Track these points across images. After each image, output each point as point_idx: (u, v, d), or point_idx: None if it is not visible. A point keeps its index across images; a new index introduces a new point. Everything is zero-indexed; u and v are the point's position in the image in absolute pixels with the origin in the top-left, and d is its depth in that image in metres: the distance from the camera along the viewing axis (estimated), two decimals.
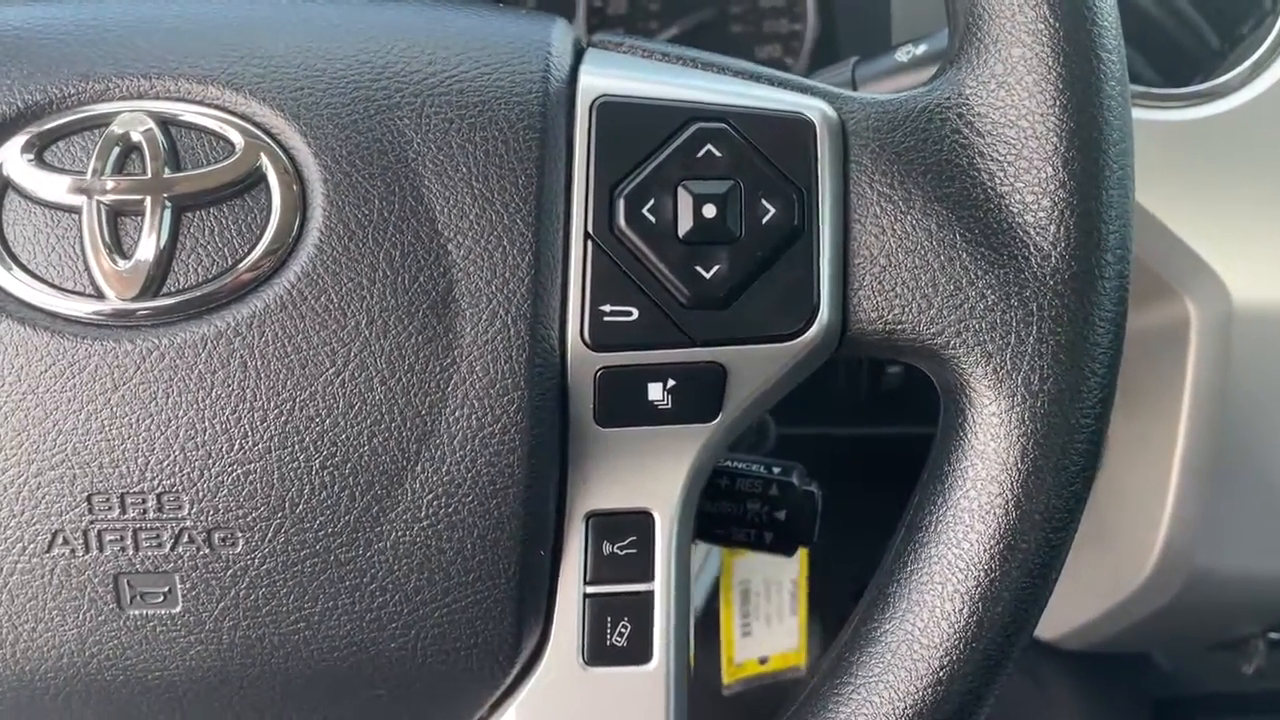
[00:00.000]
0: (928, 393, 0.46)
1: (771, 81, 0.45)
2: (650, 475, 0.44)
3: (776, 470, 0.53)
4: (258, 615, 0.42)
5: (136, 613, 0.42)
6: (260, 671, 0.43)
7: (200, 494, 0.41)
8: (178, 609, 0.42)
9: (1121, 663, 1.09)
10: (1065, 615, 0.95)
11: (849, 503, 0.77)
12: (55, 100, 0.42)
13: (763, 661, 0.92)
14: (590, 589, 0.44)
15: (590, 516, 0.44)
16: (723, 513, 0.53)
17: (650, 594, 0.44)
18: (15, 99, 0.42)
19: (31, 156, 0.41)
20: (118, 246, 0.41)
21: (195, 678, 0.43)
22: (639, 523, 0.44)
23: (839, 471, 0.86)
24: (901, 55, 0.57)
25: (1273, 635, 0.96)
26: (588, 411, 0.43)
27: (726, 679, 0.93)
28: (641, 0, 0.97)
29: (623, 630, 0.44)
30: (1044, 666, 1.08)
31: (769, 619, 0.89)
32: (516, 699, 0.45)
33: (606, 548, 0.44)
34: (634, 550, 0.44)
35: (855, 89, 0.60)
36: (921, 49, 0.57)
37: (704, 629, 0.91)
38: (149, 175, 0.41)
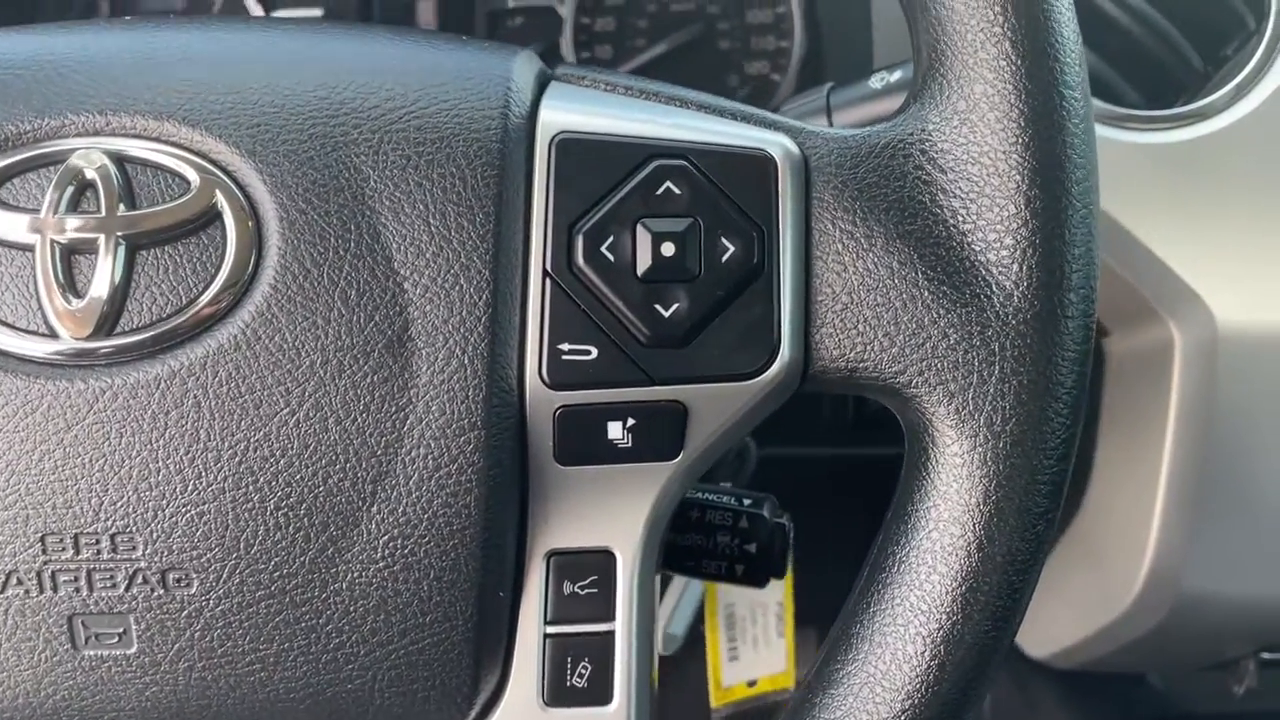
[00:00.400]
0: None
1: (735, 116, 0.44)
2: (611, 514, 0.44)
3: (747, 502, 0.53)
4: (213, 656, 0.42)
5: (91, 653, 0.42)
6: (216, 713, 0.43)
7: (154, 535, 0.41)
8: (133, 650, 0.42)
9: (1113, 682, 1.08)
10: (1055, 635, 0.94)
11: (836, 522, 0.76)
12: (10, 137, 0.42)
13: (751, 684, 0.91)
14: (550, 629, 0.44)
15: (551, 555, 0.44)
16: (693, 545, 0.52)
17: (611, 634, 0.44)
18: None
19: None
20: (71, 285, 0.41)
21: (151, 719, 0.43)
22: (600, 562, 0.44)
23: (825, 492, 0.85)
24: (876, 82, 0.57)
25: (1264, 655, 0.95)
26: (547, 450, 0.43)
27: (714, 703, 0.92)
28: (629, 18, 0.97)
29: (583, 671, 0.44)
30: (1035, 685, 1.07)
31: (756, 642, 0.88)
32: None
33: (567, 587, 0.44)
34: (595, 590, 0.44)
35: (830, 115, 0.60)
36: (896, 75, 0.57)
37: (692, 653, 0.90)
38: (103, 213, 0.41)
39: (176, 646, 0.42)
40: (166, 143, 0.42)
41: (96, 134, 0.42)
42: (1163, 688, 1.10)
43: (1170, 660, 0.98)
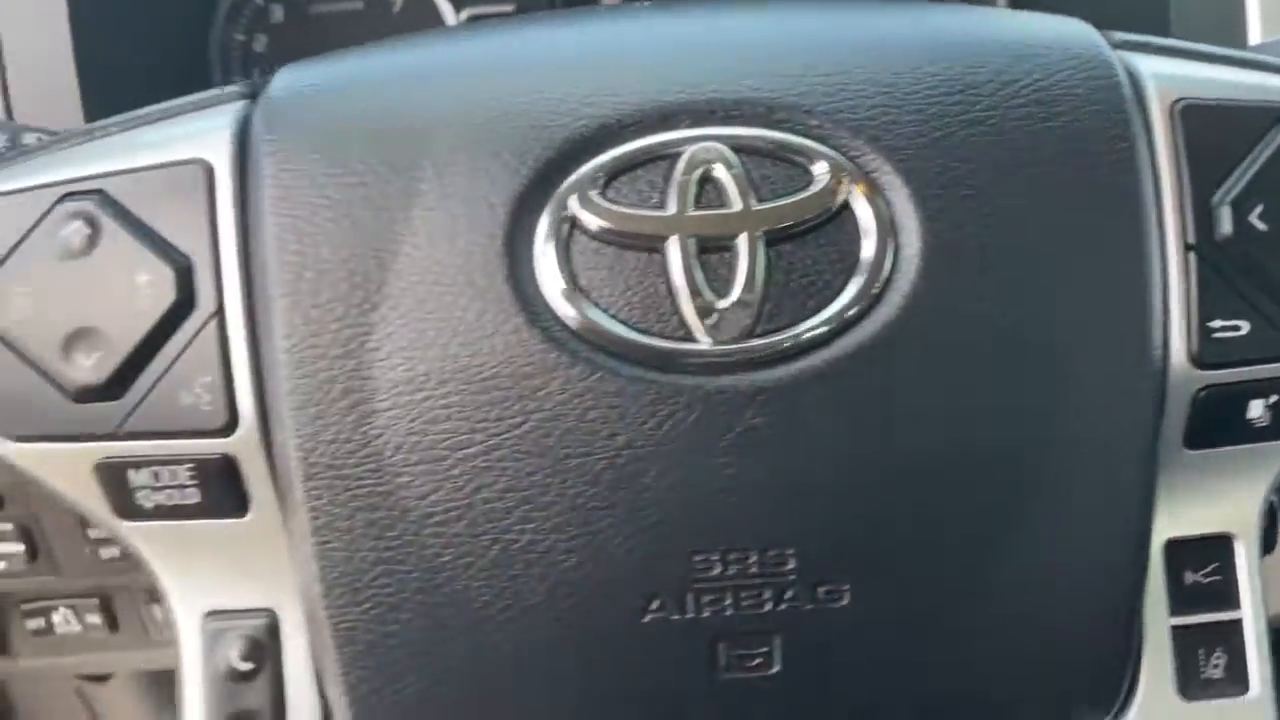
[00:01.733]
0: None
1: None
2: (1231, 497, 0.42)
3: None
4: (860, 672, 0.40)
5: (731, 677, 0.39)
6: None
7: (807, 546, 0.38)
8: (774, 671, 0.39)
9: None
10: None
11: None
12: (615, 132, 0.39)
13: None
14: (1175, 620, 0.42)
15: (1170, 544, 0.42)
16: None
17: (1239, 621, 0.42)
18: (573, 131, 0.39)
19: (598, 191, 0.38)
20: (710, 285, 0.38)
21: None
22: (1218, 548, 0.42)
23: None
24: None
25: None
26: (1177, 433, 0.41)
27: None
28: None
29: (1217, 661, 0.42)
30: None
31: None
32: None
33: (1188, 576, 0.42)
34: (1217, 576, 0.42)
35: None
36: None
37: None
38: (739, 208, 0.38)
39: (824, 663, 0.39)
40: (782, 130, 0.39)
41: (709, 124, 0.39)
42: None
43: None
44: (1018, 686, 0.40)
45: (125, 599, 0.74)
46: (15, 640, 0.90)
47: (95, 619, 0.74)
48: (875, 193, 0.39)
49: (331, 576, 0.38)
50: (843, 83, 0.40)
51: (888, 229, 0.39)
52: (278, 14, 0.93)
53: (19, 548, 0.69)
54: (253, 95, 0.42)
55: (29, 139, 0.51)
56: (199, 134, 0.40)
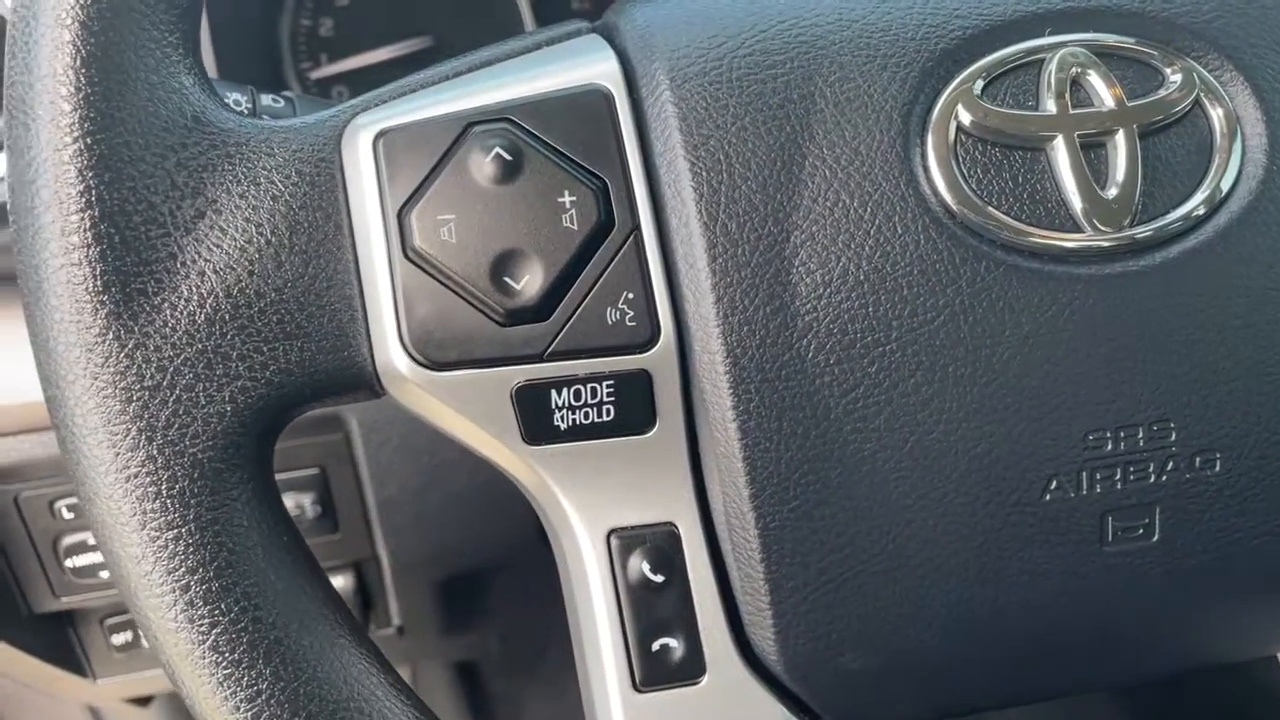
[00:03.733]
0: None
1: None
2: None
3: None
4: (1229, 535, 0.42)
5: (1115, 549, 0.42)
6: (1230, 590, 0.43)
7: (1188, 419, 0.41)
8: (1154, 539, 0.42)
9: None
10: None
11: None
12: (985, 41, 0.41)
13: None
14: None
15: None
16: None
17: None
18: (950, 41, 0.41)
19: (979, 94, 0.41)
20: (1097, 178, 0.41)
21: (1159, 611, 0.43)
22: None
23: None
24: None
25: None
26: None
27: None
28: None
29: None
30: None
31: None
32: None
33: None
34: None
35: None
36: None
37: None
38: (1114, 106, 0.41)
39: (1197, 530, 0.42)
40: (1133, 35, 0.42)
41: (1066, 30, 0.42)
42: None
43: None
44: None
45: None
46: (94, 658, 0.89)
47: None
48: (1221, 90, 0.42)
49: (761, 477, 0.40)
50: None
51: (1234, 121, 0.42)
52: None
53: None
54: (592, 28, 0.44)
55: (265, 100, 0.52)
56: (585, 64, 0.41)
